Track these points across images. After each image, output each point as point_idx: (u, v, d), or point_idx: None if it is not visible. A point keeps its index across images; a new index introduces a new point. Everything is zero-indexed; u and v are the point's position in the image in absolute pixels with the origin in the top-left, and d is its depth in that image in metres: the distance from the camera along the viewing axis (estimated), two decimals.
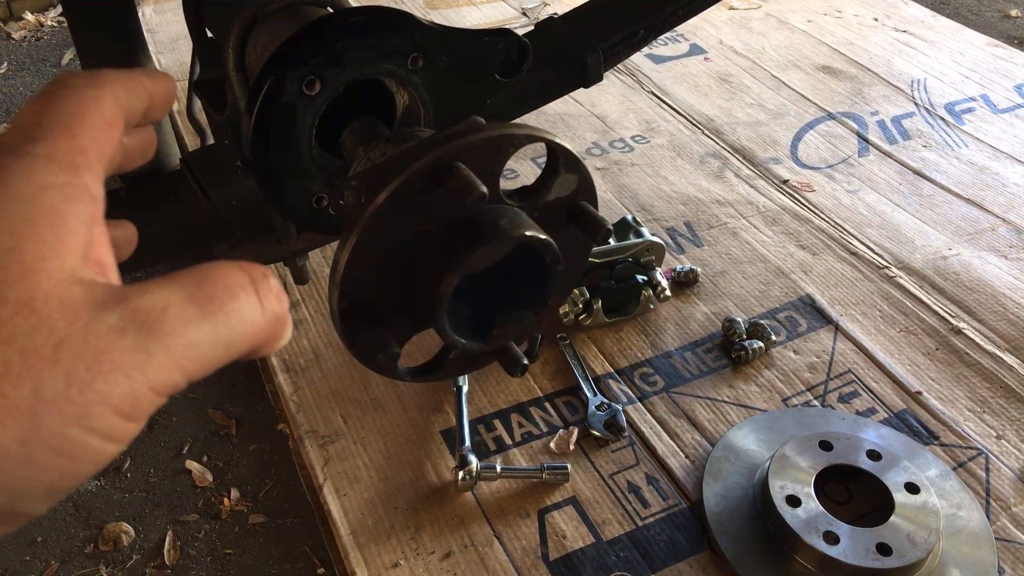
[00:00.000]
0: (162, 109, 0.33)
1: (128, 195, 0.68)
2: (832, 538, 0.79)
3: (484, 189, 0.38)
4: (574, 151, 0.43)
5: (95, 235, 0.27)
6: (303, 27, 0.46)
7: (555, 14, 1.90)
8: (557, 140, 0.42)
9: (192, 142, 1.34)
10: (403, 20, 0.48)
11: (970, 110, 1.52)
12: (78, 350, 0.23)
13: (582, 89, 0.78)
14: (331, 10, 0.57)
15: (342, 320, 0.41)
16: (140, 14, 1.81)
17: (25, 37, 1.92)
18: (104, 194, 0.28)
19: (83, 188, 0.27)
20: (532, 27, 0.79)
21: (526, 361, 0.46)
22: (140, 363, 0.24)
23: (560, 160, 0.43)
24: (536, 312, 0.45)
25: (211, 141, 0.80)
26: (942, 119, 1.49)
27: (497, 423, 0.96)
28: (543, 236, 0.41)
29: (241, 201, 0.64)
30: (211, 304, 0.26)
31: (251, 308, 0.27)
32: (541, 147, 0.61)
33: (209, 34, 0.67)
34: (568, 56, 0.75)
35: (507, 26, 1.74)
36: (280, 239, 0.67)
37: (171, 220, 0.68)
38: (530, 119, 1.52)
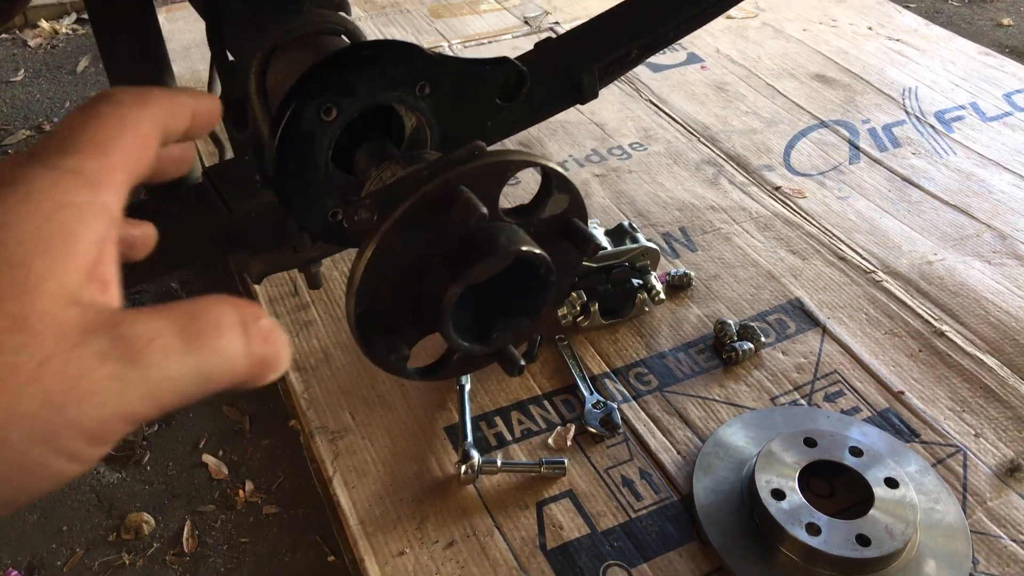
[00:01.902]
0: (204, 129, 0.35)
1: (153, 206, 0.73)
2: (814, 529, 0.84)
3: (485, 210, 0.42)
4: (565, 173, 0.48)
5: (104, 254, 0.27)
6: (321, 60, 0.51)
7: (556, 23, 1.93)
8: (550, 164, 0.47)
9: (205, 151, 1.39)
10: (410, 52, 0.53)
11: (959, 118, 1.57)
12: (59, 371, 0.24)
13: None
14: (346, 39, 0.62)
15: (358, 326, 0.46)
16: None
17: (41, 44, 1.97)
18: (123, 208, 0.29)
19: (102, 207, 0.27)
20: (533, 35, 0.83)
21: (523, 362, 0.51)
22: (116, 392, 0.24)
23: (553, 182, 0.48)
24: (532, 319, 0.50)
25: (229, 155, 0.85)
26: (932, 127, 1.54)
27: (498, 420, 1.00)
28: (538, 251, 0.46)
29: (260, 213, 0.69)
30: (197, 340, 0.26)
31: (236, 348, 0.27)
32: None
33: (230, 56, 0.72)
34: (564, 76, 0.79)
35: (510, 33, 1.79)
36: (296, 248, 0.72)
37: (193, 229, 0.72)
38: (531, 127, 1.57)
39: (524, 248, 0.45)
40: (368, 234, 0.43)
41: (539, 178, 0.48)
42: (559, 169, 0.48)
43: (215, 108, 0.35)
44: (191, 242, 0.75)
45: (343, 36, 0.62)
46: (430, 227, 0.45)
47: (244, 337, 0.27)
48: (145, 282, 1.29)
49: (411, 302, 0.47)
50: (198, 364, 0.26)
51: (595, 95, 0.82)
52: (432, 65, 0.54)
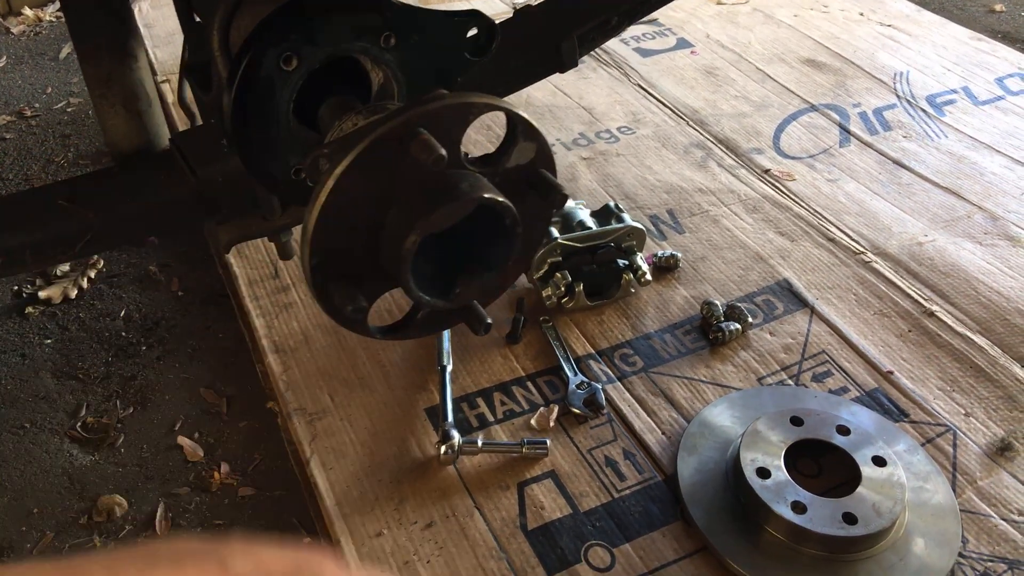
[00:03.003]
0: None
1: (119, 173, 0.71)
2: (800, 508, 0.82)
3: (443, 151, 0.40)
4: (532, 121, 0.46)
5: None
6: (280, 5, 0.49)
7: None
8: (515, 110, 0.45)
9: (183, 127, 1.37)
10: (375, 1, 0.51)
11: (951, 102, 1.55)
12: None
13: (570, 81, 0.81)
14: None
15: (312, 275, 0.44)
16: (137, 9, 1.84)
17: (24, 32, 1.95)
18: None
19: None
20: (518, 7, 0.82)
21: (490, 320, 0.49)
22: None
23: (518, 128, 0.46)
24: (497, 273, 0.48)
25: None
26: (923, 111, 1.52)
27: (480, 401, 0.98)
28: (501, 198, 0.44)
29: (226, 178, 0.67)
30: None
31: None
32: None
33: (197, 19, 0.70)
34: (543, 42, 0.78)
35: (497, 19, 1.77)
36: (265, 215, 0.70)
37: (160, 197, 0.70)
38: (519, 109, 1.55)
39: (486, 195, 0.43)
40: (322, 178, 0.41)
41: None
42: (524, 116, 0.46)
43: None
44: (159, 210, 0.73)
45: None
46: (389, 173, 0.43)
47: None
48: (114, 248, 1.27)
49: (372, 254, 0.46)
50: None
51: (575, 63, 0.80)
52: (398, 15, 0.52)
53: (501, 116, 0.48)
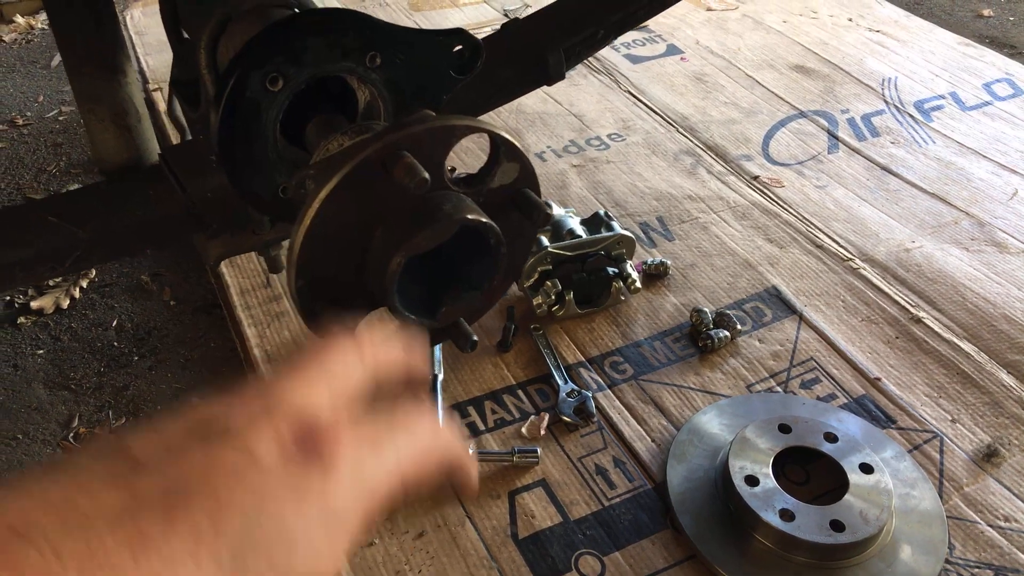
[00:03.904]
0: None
1: (108, 188, 0.72)
2: (788, 515, 0.83)
3: (426, 175, 0.41)
4: (515, 141, 0.47)
5: (340, 567, 0.29)
6: (266, 27, 0.49)
7: None
8: (497, 131, 0.46)
9: (175, 139, 1.37)
10: (360, 20, 0.51)
11: (939, 107, 1.56)
12: None
13: (561, 88, 0.82)
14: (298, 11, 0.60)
15: (299, 298, 0.44)
16: (128, 17, 1.84)
17: (16, 40, 1.95)
18: None
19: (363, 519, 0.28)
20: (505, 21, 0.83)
21: (475, 338, 0.49)
22: None
23: (502, 150, 0.47)
24: (483, 292, 0.48)
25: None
26: (911, 116, 1.53)
27: (471, 410, 0.99)
28: (485, 219, 0.45)
29: (216, 193, 0.68)
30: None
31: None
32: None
33: (186, 35, 0.71)
34: (531, 55, 0.78)
35: (489, 26, 1.78)
36: (254, 230, 0.70)
37: (150, 212, 0.71)
38: (509, 118, 1.56)
39: (470, 216, 0.44)
40: (307, 201, 0.42)
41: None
42: (508, 137, 0.46)
43: (426, 358, 0.37)
44: (148, 225, 0.74)
45: (295, 9, 0.60)
46: (373, 195, 0.44)
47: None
48: (105, 263, 1.27)
49: (357, 275, 0.46)
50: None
51: (561, 76, 0.81)
52: (382, 35, 0.53)
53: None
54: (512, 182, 0.48)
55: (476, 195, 0.47)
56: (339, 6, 1.90)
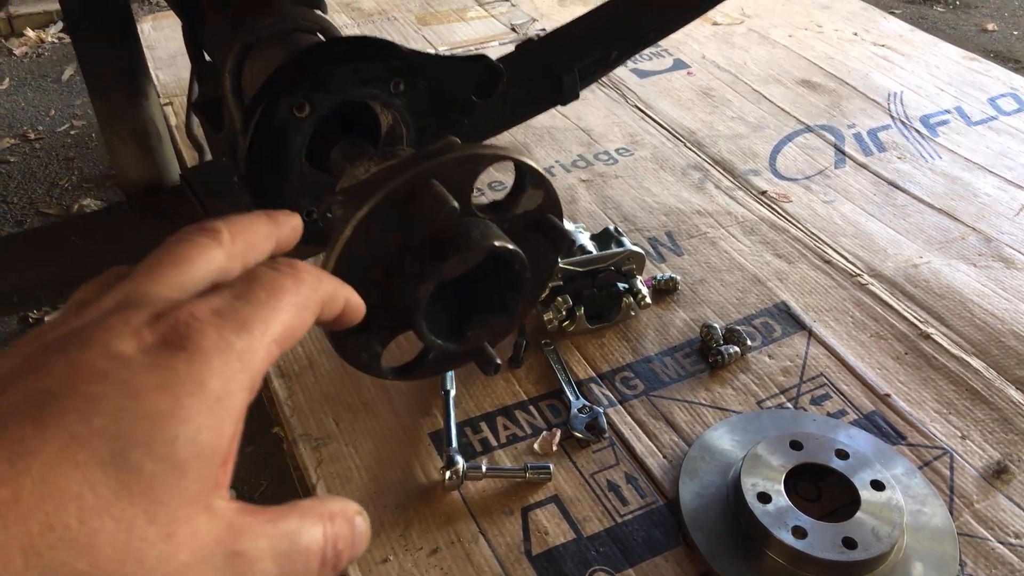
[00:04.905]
0: (288, 248, 0.36)
1: (131, 208, 0.73)
2: (800, 532, 0.83)
3: (455, 204, 0.42)
4: (539, 168, 0.48)
5: (233, 447, 0.27)
6: (293, 55, 0.50)
7: (543, 29, 1.95)
8: (523, 159, 0.47)
9: (189, 156, 1.38)
10: (384, 48, 0.52)
11: (944, 122, 1.57)
12: None
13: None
14: (321, 37, 0.61)
15: None
16: (139, 30, 1.85)
17: (26, 53, 1.97)
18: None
19: (250, 392, 0.27)
20: (521, 41, 0.84)
21: (499, 361, 0.50)
22: None
23: (527, 177, 0.48)
24: (506, 316, 0.49)
25: (208, 158, 0.85)
26: (917, 131, 1.54)
27: (483, 425, 1.00)
28: (511, 246, 0.45)
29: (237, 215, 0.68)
30: (289, 569, 0.27)
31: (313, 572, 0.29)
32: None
33: (207, 57, 0.72)
34: (545, 76, 0.79)
35: (497, 40, 1.79)
36: None
37: (170, 232, 0.72)
38: (518, 132, 1.57)
39: (497, 243, 0.45)
40: (337, 229, 0.43)
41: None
42: (532, 164, 0.47)
43: (297, 228, 0.36)
44: None
45: (318, 34, 0.61)
46: (401, 222, 0.44)
47: (324, 565, 0.29)
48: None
49: (383, 299, 0.47)
50: None
51: (576, 96, 0.82)
52: (407, 62, 0.54)
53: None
54: (536, 208, 0.49)
55: (501, 221, 0.48)
56: (349, 27, 1.92)
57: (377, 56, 0.52)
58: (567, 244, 0.48)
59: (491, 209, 0.49)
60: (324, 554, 0.29)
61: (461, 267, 0.44)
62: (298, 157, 0.54)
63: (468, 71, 0.58)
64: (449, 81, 0.57)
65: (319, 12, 0.61)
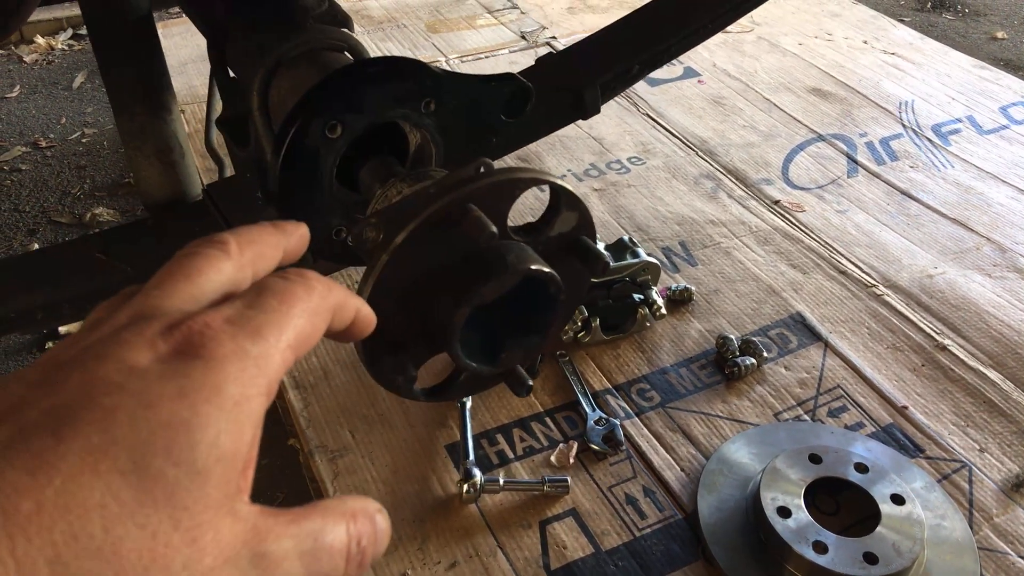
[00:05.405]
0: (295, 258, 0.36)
1: (153, 224, 0.72)
2: (821, 547, 0.83)
3: (494, 228, 0.42)
4: (574, 191, 0.48)
5: (254, 452, 0.27)
6: (326, 76, 0.50)
7: (553, 37, 1.94)
8: (559, 182, 0.46)
9: (202, 165, 1.38)
10: (417, 69, 0.52)
11: (956, 131, 1.57)
12: None
13: None
14: (349, 56, 0.61)
15: (364, 348, 0.45)
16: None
17: (37, 60, 1.97)
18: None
19: (268, 397, 0.27)
20: (530, 49, 0.83)
21: (531, 383, 0.50)
22: None
23: (562, 200, 0.47)
24: (540, 337, 0.49)
25: (228, 172, 0.85)
26: (929, 140, 1.54)
27: (500, 437, 0.99)
28: (547, 269, 0.45)
29: None
30: (314, 567, 0.28)
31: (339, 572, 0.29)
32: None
33: (231, 73, 0.72)
34: (566, 91, 0.79)
35: (507, 48, 1.79)
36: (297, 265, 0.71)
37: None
38: None
39: (534, 267, 0.44)
40: (375, 253, 0.43)
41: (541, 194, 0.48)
42: (568, 187, 0.47)
43: (304, 237, 0.36)
44: None
45: (346, 52, 0.61)
46: (437, 245, 0.44)
47: (349, 562, 0.29)
48: None
49: (418, 322, 0.47)
50: None
51: (597, 110, 0.82)
52: (438, 82, 0.54)
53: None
54: (571, 230, 0.49)
55: (536, 243, 0.48)
56: (359, 34, 1.92)
57: (410, 76, 0.52)
58: (602, 266, 0.48)
59: (525, 231, 0.48)
60: (349, 551, 0.29)
61: (498, 291, 0.44)
62: (329, 177, 0.54)
63: (498, 90, 0.58)
64: (479, 100, 0.57)
65: (346, 31, 0.61)
